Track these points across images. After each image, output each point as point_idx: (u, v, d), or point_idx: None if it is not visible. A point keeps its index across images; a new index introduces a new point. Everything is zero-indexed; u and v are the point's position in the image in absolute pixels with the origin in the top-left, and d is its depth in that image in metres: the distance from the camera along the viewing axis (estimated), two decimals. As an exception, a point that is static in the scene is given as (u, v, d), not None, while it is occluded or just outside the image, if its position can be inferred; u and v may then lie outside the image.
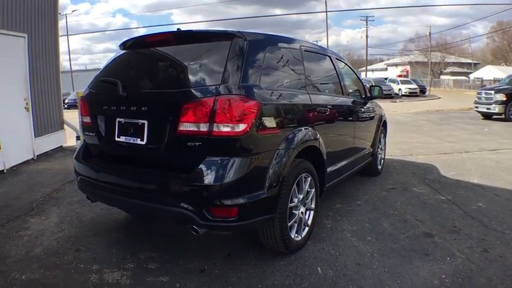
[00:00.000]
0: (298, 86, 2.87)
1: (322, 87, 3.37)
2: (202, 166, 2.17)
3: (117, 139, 2.55)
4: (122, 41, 2.95)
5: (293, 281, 2.32)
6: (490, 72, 38.80)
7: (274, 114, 2.41)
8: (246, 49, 2.37)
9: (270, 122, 2.35)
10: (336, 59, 3.82)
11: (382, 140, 5.02)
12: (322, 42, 39.92)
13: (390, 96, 24.20)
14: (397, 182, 4.56)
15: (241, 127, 2.14)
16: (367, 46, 42.21)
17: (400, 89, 27.35)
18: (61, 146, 7.18)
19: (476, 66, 48.56)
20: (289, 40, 3.01)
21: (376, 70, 52.74)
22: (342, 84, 3.72)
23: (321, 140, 2.88)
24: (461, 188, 4.29)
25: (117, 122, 2.55)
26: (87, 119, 2.79)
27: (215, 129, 2.13)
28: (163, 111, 2.33)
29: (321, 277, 2.37)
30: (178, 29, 2.78)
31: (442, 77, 45.45)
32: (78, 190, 3.01)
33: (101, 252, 2.73)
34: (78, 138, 6.80)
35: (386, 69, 53.28)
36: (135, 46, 2.86)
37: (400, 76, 37.64)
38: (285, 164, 2.39)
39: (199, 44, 2.52)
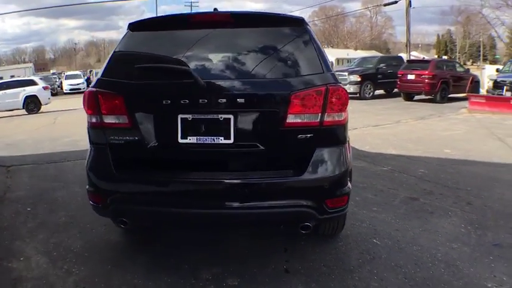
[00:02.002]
0: None
1: None
2: (316, 158, 2.18)
3: (181, 141, 2.19)
4: (141, 20, 2.54)
5: (367, 254, 2.66)
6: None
7: None
8: (314, 35, 2.42)
9: None
10: None
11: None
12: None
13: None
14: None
15: (343, 115, 2.25)
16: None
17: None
18: None
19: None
20: None
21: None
22: None
23: None
24: (390, 159, 5.38)
25: (179, 120, 2.18)
26: (122, 119, 2.25)
27: (326, 118, 2.17)
28: (262, 103, 2.18)
29: (380, 246, 2.79)
30: (215, 8, 2.60)
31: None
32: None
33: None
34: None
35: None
36: (173, 27, 2.47)
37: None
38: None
39: (266, 29, 2.39)
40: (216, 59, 2.35)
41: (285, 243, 2.84)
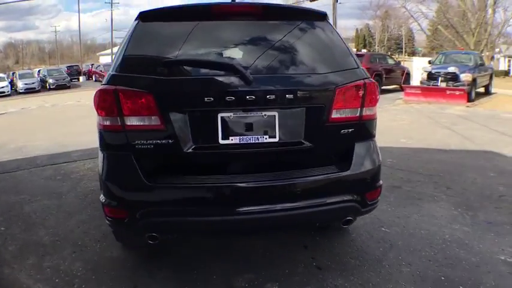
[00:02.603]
0: None
1: None
2: (357, 153, 2.22)
3: (222, 142, 2.06)
4: (155, 10, 2.32)
5: (384, 242, 2.81)
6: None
7: None
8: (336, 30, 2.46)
9: None
10: None
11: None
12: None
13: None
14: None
15: (374, 109, 2.32)
16: (112, 30, 41.79)
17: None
18: None
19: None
20: None
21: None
22: None
23: None
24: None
25: (219, 119, 2.05)
26: (153, 121, 2.02)
27: (364, 113, 2.23)
28: (308, 98, 2.14)
29: (392, 234, 2.97)
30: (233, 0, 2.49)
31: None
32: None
33: None
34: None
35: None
36: (192, 17, 2.26)
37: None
38: None
39: (293, 22, 2.33)
40: (249, 53, 2.23)
41: (302, 240, 2.86)
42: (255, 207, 2.06)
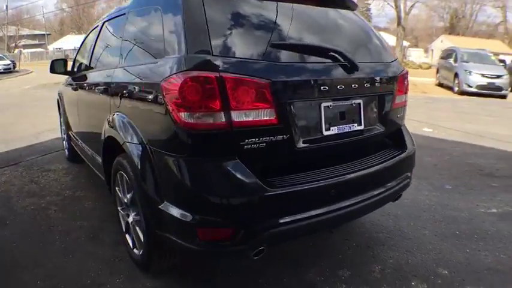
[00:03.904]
0: None
1: None
2: (405, 134, 2.49)
3: (326, 133, 1.94)
4: None
5: (385, 214, 3.12)
6: (70, 42, 41.96)
7: None
8: None
9: None
10: None
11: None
12: None
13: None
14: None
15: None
16: None
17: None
18: None
19: (48, 36, 50.37)
20: None
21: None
22: None
23: None
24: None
25: (323, 109, 1.92)
26: (269, 115, 1.72)
27: (406, 99, 2.49)
28: (384, 85, 2.24)
29: (384, 207, 3.31)
30: None
31: (24, 50, 43.66)
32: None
33: None
34: None
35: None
36: None
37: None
38: None
39: (345, 11, 2.37)
40: (331, 40, 2.12)
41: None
42: (356, 197, 2.02)
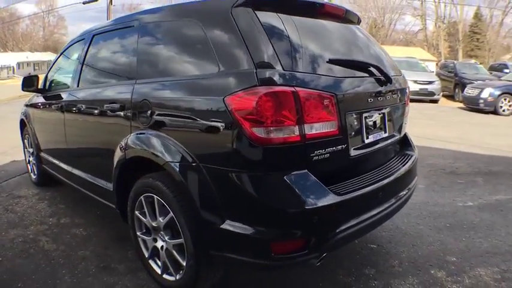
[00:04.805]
0: None
1: None
2: (409, 138, 2.81)
3: (366, 141, 2.15)
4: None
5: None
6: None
7: None
8: None
9: None
10: None
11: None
12: None
13: None
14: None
15: None
16: None
17: None
18: None
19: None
20: None
21: None
22: None
23: None
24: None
25: (363, 119, 2.13)
26: (333, 126, 1.87)
27: (408, 108, 2.82)
28: (402, 95, 2.52)
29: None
30: None
31: None
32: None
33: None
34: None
35: None
36: (301, 13, 2.14)
37: None
38: None
39: (356, 26, 2.59)
40: (360, 54, 2.36)
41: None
42: (393, 199, 2.25)
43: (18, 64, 41.63)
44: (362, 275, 2.45)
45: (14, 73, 38.48)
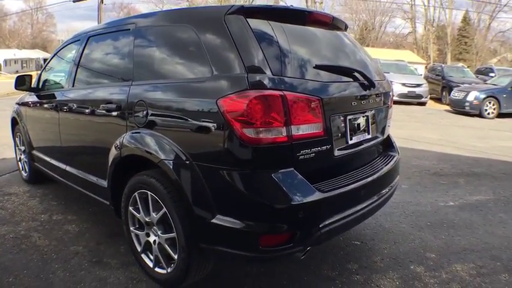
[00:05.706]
0: None
1: None
2: (393, 140, 2.96)
3: (350, 142, 2.28)
4: (258, 6, 2.31)
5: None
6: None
7: None
8: None
9: None
10: None
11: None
12: None
13: None
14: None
15: None
16: None
17: None
18: None
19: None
20: None
21: None
22: None
23: None
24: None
25: (348, 121, 2.26)
26: (318, 128, 2.01)
27: (392, 111, 2.96)
28: (386, 99, 2.65)
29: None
30: (291, 5, 2.62)
31: None
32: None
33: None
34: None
35: None
36: (290, 20, 2.25)
37: None
38: None
39: (343, 32, 2.69)
40: (346, 60, 2.49)
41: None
42: (375, 196, 2.39)
43: (5, 61, 41.11)
44: (345, 269, 2.58)
45: (0, 70, 38.00)
